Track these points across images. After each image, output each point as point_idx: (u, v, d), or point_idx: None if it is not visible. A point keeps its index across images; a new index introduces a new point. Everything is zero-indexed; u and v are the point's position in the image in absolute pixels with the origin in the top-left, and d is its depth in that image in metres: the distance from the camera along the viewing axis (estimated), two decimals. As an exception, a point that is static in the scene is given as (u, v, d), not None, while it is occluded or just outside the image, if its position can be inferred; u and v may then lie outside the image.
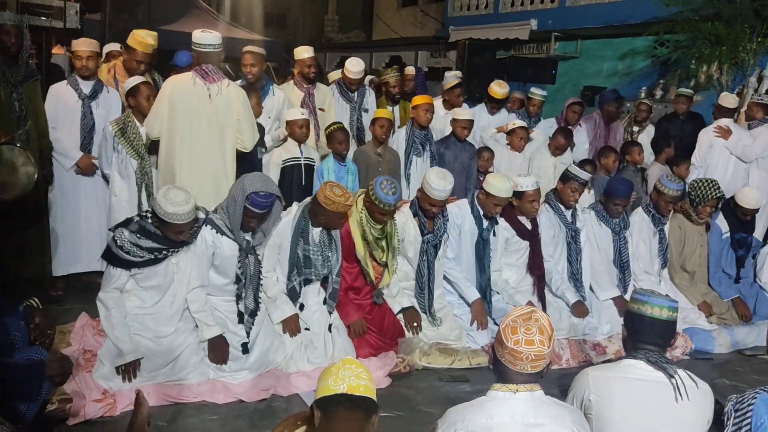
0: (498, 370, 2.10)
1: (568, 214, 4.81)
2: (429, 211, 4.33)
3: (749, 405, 2.17)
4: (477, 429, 1.98)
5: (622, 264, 4.98)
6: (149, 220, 3.50)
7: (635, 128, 7.18)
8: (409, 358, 4.05)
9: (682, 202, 5.26)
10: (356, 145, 5.87)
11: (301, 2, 21.38)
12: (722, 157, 6.41)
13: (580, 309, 4.63)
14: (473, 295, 4.49)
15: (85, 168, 4.80)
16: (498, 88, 6.58)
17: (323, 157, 5.25)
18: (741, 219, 5.25)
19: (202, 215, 3.71)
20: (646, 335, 2.35)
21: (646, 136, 7.05)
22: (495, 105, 6.64)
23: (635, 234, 5.04)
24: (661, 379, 2.25)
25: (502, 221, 4.63)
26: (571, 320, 4.54)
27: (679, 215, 5.22)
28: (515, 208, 4.61)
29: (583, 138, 6.77)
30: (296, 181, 5.03)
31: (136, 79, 4.67)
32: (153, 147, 4.43)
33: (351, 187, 5.03)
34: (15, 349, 2.91)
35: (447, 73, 7.07)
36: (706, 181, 5.13)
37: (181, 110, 4.17)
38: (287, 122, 5.01)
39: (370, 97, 6.19)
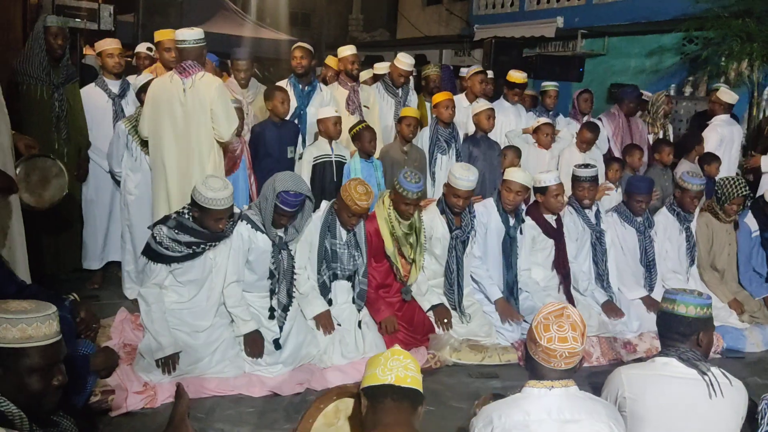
0: (531, 367, 2.12)
1: (591, 215, 4.83)
2: (455, 206, 4.38)
3: None
4: (514, 426, 2.00)
5: (648, 263, 4.97)
6: (186, 216, 3.62)
7: (660, 122, 7.12)
8: (439, 354, 4.10)
9: (710, 200, 5.24)
10: None
11: (326, 2, 21.47)
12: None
13: (610, 308, 4.63)
14: (495, 294, 4.54)
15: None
16: (516, 73, 6.58)
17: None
18: None
19: (237, 210, 3.82)
20: (675, 333, 2.36)
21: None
22: (515, 92, 6.54)
23: (660, 233, 5.03)
24: (695, 376, 2.26)
25: (528, 219, 4.67)
26: (601, 317, 4.55)
27: (707, 213, 5.20)
28: (540, 205, 4.65)
29: (604, 133, 6.74)
30: (328, 177, 5.08)
31: (147, 77, 4.78)
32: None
33: (379, 183, 5.10)
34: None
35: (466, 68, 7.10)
36: (733, 178, 5.11)
37: (161, 108, 4.24)
38: (319, 120, 5.08)
39: (413, 96, 6.26)
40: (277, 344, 3.82)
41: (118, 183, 4.84)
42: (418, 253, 4.35)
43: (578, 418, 2.01)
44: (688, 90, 9.37)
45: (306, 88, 5.54)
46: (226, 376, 3.62)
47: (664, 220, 5.05)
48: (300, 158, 5.12)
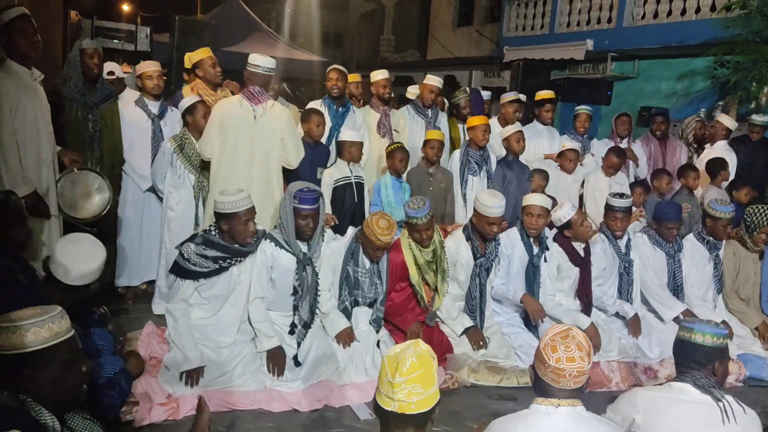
0: (540, 388, 2.16)
1: (622, 244, 4.82)
2: (489, 233, 4.43)
3: None
4: None
5: (675, 288, 4.96)
6: (213, 232, 3.76)
7: (692, 147, 7.12)
8: (457, 374, 4.13)
9: (738, 228, 5.20)
10: None
11: (358, 22, 21.78)
12: None
13: (635, 325, 4.62)
14: (519, 293, 4.59)
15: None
16: (543, 91, 6.69)
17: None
18: None
19: (261, 228, 3.94)
20: (691, 361, 2.40)
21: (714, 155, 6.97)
22: (547, 108, 6.60)
23: (687, 260, 5.02)
24: (709, 402, 2.29)
25: (555, 246, 4.68)
26: (621, 342, 4.54)
27: (734, 242, 5.17)
28: (570, 236, 4.65)
29: (639, 153, 6.76)
30: (348, 198, 5.20)
31: (192, 98, 4.93)
32: (205, 162, 4.65)
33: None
34: (102, 357, 3.18)
35: (506, 93, 7.16)
36: (763, 207, 5.06)
37: (230, 131, 4.39)
38: (339, 142, 5.20)
39: (443, 118, 6.36)
40: (296, 361, 3.91)
41: (161, 200, 5.00)
42: (441, 281, 4.41)
43: None
44: (718, 114, 9.29)
45: (340, 109, 5.69)
46: (247, 389, 3.71)
47: (692, 247, 5.03)
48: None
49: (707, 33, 9.32)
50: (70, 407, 2.22)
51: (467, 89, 7.35)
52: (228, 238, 3.76)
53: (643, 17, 11.45)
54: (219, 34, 8.81)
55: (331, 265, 4.18)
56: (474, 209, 4.44)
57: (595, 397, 4.07)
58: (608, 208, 4.79)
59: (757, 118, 7.06)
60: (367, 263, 4.20)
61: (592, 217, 6.02)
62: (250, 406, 3.63)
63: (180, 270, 3.74)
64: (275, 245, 3.95)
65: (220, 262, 3.77)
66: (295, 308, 4.02)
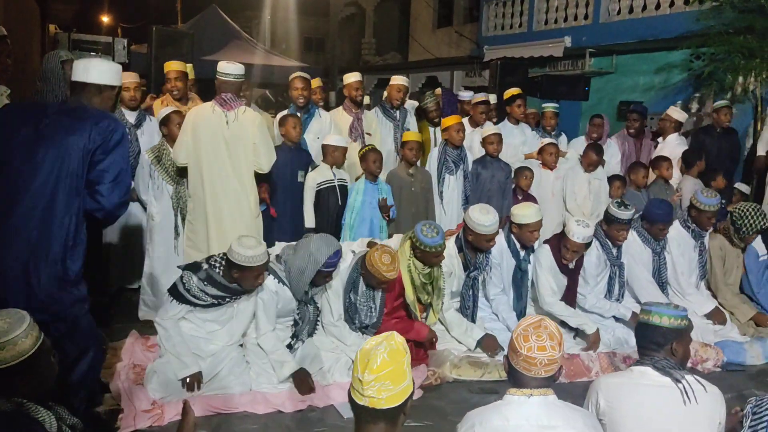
0: (513, 377, 2.22)
1: (614, 249, 4.83)
2: (485, 248, 4.49)
3: (766, 408, 2.24)
4: (494, 431, 2.11)
5: (660, 284, 5.03)
6: (217, 270, 3.72)
7: (659, 139, 7.23)
8: (440, 370, 4.19)
9: (724, 223, 5.28)
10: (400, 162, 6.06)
11: (339, 27, 21.83)
12: None
13: (596, 339, 4.61)
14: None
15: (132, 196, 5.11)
16: (510, 90, 6.81)
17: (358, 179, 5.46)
18: None
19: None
20: (650, 342, 2.47)
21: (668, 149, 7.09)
22: (518, 104, 6.68)
23: (674, 249, 5.07)
24: (669, 384, 2.35)
25: (546, 250, 4.67)
26: (615, 333, 4.69)
27: (720, 236, 5.25)
28: (563, 249, 4.62)
29: (613, 152, 6.85)
30: (332, 202, 5.27)
31: (168, 109, 4.98)
32: (184, 172, 4.68)
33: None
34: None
35: (476, 95, 7.24)
36: (754, 210, 5.14)
37: (203, 137, 4.44)
38: (324, 145, 5.25)
39: (412, 119, 6.41)
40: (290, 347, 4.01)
41: (146, 209, 5.03)
42: (436, 298, 4.46)
43: (555, 424, 2.11)
44: (694, 106, 9.43)
45: (303, 116, 5.65)
46: (232, 393, 3.75)
47: (677, 235, 5.09)
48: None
49: (682, 26, 9.45)
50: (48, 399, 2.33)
51: (435, 93, 7.43)
52: (232, 280, 3.73)
53: (618, 13, 11.60)
54: (197, 44, 8.86)
55: (338, 295, 4.22)
56: (467, 227, 4.47)
57: (576, 386, 4.15)
58: (612, 219, 4.67)
59: (720, 102, 7.18)
60: (365, 290, 4.22)
61: (572, 212, 6.11)
62: (234, 409, 3.66)
63: (177, 294, 3.76)
64: (279, 282, 3.93)
65: (219, 300, 3.79)
66: (295, 336, 4.07)
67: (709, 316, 4.98)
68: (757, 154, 7.04)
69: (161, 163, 4.83)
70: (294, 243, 4.11)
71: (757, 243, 5.31)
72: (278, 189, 5.14)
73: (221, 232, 4.49)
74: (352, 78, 6.14)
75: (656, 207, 4.96)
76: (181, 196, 4.80)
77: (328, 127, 5.72)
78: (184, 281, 3.73)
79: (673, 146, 6.73)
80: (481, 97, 6.84)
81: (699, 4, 8.89)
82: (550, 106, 6.84)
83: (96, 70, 3.01)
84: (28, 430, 2.10)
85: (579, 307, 4.78)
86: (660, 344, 2.42)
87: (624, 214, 4.63)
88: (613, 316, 4.84)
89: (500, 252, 4.68)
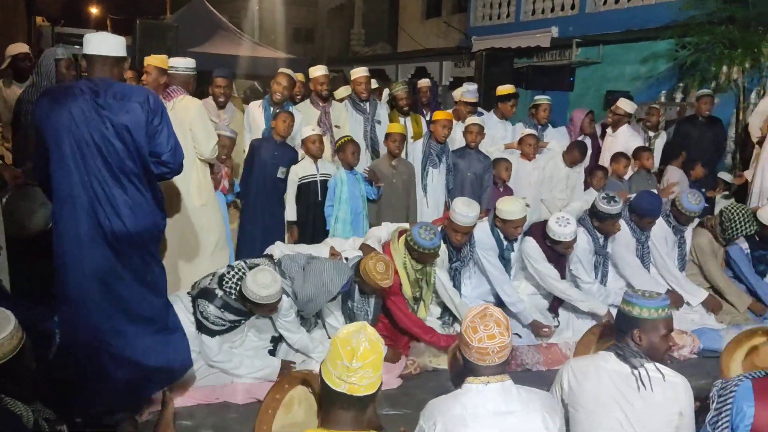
0: (469, 369, 2.26)
1: (601, 239, 4.86)
2: (454, 239, 4.53)
3: (731, 392, 2.29)
4: (453, 419, 2.17)
5: None
6: (233, 296, 3.69)
7: (651, 133, 7.29)
8: (419, 360, 4.25)
9: (712, 221, 5.32)
10: (371, 156, 6.09)
11: (328, 17, 21.78)
12: None
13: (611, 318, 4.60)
14: (528, 318, 4.65)
15: None
16: (503, 87, 6.81)
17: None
18: (765, 237, 5.25)
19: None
20: (617, 329, 2.54)
21: (660, 141, 7.16)
22: (513, 103, 6.72)
23: (659, 242, 5.11)
24: (625, 370, 2.41)
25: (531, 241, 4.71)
26: (577, 323, 4.72)
27: (707, 233, 5.30)
28: (549, 247, 4.65)
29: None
30: (313, 197, 5.29)
31: None
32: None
33: (362, 195, 5.30)
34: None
35: (465, 85, 7.24)
36: (744, 214, 5.17)
37: None
38: (302, 140, 5.28)
39: (382, 110, 6.38)
40: (271, 353, 4.06)
41: None
42: (426, 291, 4.51)
43: (513, 409, 2.17)
44: (678, 96, 9.49)
45: (275, 111, 5.56)
46: (213, 384, 3.79)
47: (661, 231, 5.12)
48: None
49: (667, 16, 9.49)
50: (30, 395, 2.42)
51: (427, 80, 7.45)
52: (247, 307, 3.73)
53: (605, 3, 11.64)
54: (183, 36, 8.82)
55: (338, 301, 4.23)
56: (447, 220, 4.52)
57: (554, 374, 4.19)
58: (606, 216, 4.68)
59: (702, 91, 7.24)
60: (359, 296, 4.25)
61: (548, 203, 6.18)
62: (215, 399, 3.71)
63: (199, 324, 3.75)
64: (287, 296, 3.89)
65: (236, 323, 3.81)
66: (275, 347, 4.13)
67: (704, 304, 5.06)
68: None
69: None
70: (296, 254, 4.11)
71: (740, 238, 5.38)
72: (257, 182, 5.17)
73: (174, 223, 4.40)
74: (317, 72, 6.05)
75: (647, 201, 4.95)
76: None
77: (298, 123, 5.67)
78: (201, 309, 3.70)
79: (625, 138, 6.77)
80: (472, 98, 6.80)
81: (682, -6, 8.93)
82: (543, 99, 6.84)
83: (110, 44, 3.13)
84: (6, 424, 2.17)
85: None
86: (623, 331, 2.48)
87: (614, 209, 4.66)
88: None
89: (487, 241, 4.72)
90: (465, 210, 4.39)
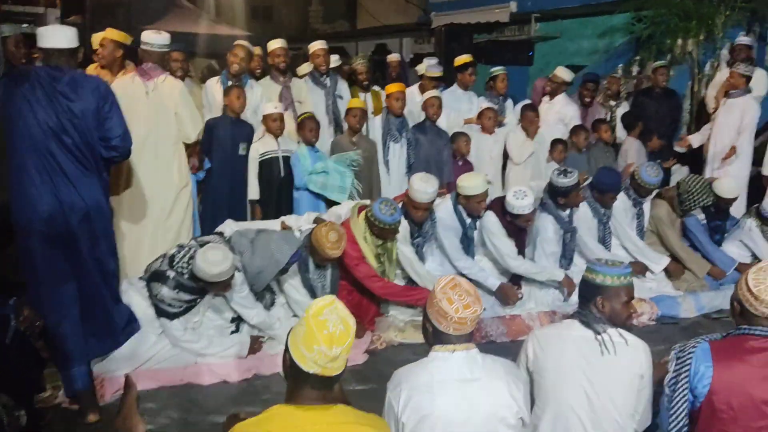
0: (437, 337, 2.26)
1: (565, 214, 4.89)
2: (415, 216, 4.52)
3: (689, 353, 2.33)
4: (419, 387, 2.18)
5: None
6: (185, 275, 3.64)
7: (612, 103, 7.36)
8: (384, 335, 4.26)
9: (671, 192, 5.40)
10: (334, 131, 6.02)
11: (286, -7, 21.45)
12: None
13: (569, 285, 4.70)
14: (494, 283, 4.69)
15: None
16: (461, 57, 6.78)
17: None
18: (720, 208, 5.38)
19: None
20: (580, 296, 2.58)
21: (621, 111, 7.23)
22: (470, 72, 6.66)
23: (620, 214, 5.17)
24: (589, 336, 2.44)
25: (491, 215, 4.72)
26: (539, 294, 4.80)
27: (665, 204, 5.37)
28: (509, 222, 4.69)
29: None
30: (275, 173, 5.22)
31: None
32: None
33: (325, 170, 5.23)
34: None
35: (426, 60, 7.21)
36: (701, 186, 5.23)
37: (124, 110, 4.34)
38: (263, 116, 5.19)
39: (343, 84, 6.31)
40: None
41: None
42: (389, 266, 4.49)
43: (477, 377, 2.19)
44: (635, 69, 9.59)
45: (234, 83, 5.48)
46: (177, 366, 3.74)
47: (621, 203, 5.18)
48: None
49: (623, -11, 9.55)
50: None
51: (396, 55, 7.39)
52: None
53: (562, -23, 11.64)
54: (136, 13, 8.60)
55: (295, 271, 4.19)
56: (406, 196, 4.51)
57: (518, 345, 4.23)
58: (562, 190, 4.69)
59: (658, 62, 7.34)
60: (314, 267, 4.22)
61: (514, 175, 6.22)
62: (179, 381, 3.68)
63: (157, 309, 3.71)
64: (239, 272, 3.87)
65: (192, 302, 3.77)
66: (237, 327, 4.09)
67: (666, 270, 5.18)
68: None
69: None
70: (246, 229, 4.05)
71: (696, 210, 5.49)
72: (218, 161, 5.07)
73: (153, 206, 4.43)
74: (274, 45, 5.96)
75: (606, 177, 5.00)
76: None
77: (258, 98, 5.61)
78: (155, 293, 3.65)
79: (560, 105, 6.80)
80: (436, 73, 6.77)
81: (638, -33, 8.98)
82: (499, 69, 6.83)
83: (63, 36, 3.26)
84: None
85: None
86: (587, 299, 2.51)
87: (572, 179, 4.67)
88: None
89: (450, 220, 4.72)
90: (423, 186, 4.39)
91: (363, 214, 4.36)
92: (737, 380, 2.23)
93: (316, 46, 6.11)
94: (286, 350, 1.94)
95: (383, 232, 4.28)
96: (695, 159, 7.23)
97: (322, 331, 1.85)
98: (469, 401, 2.16)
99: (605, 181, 4.96)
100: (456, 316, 2.18)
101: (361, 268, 4.29)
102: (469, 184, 4.57)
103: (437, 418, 2.15)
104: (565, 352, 2.45)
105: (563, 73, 6.89)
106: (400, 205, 4.58)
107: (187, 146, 4.60)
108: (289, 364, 1.92)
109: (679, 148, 6.90)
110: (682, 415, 2.33)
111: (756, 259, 5.53)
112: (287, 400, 1.96)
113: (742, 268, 5.31)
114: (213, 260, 3.51)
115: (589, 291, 2.52)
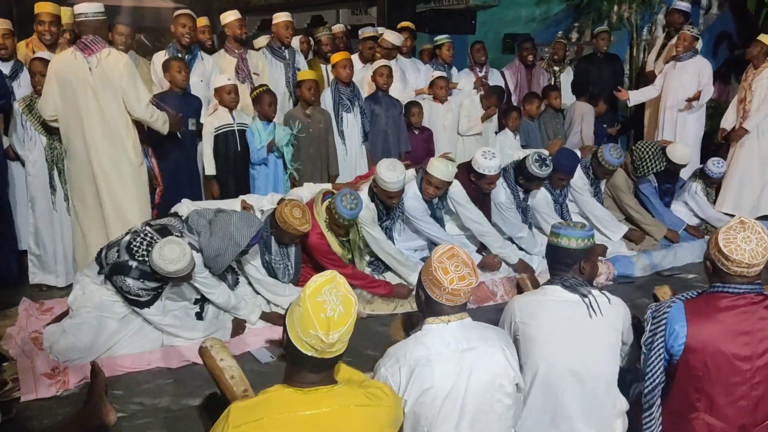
0: (432, 309, 2.24)
1: (521, 193, 4.93)
2: (391, 205, 4.47)
3: (665, 313, 2.38)
4: (417, 361, 2.15)
5: None
6: (147, 264, 3.48)
7: (556, 68, 7.45)
8: (353, 308, 4.22)
9: (626, 157, 5.45)
10: (293, 104, 5.88)
11: (216, -36, 20.72)
12: None
13: (523, 267, 4.78)
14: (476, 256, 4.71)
15: (8, 153, 4.72)
16: (401, 24, 6.81)
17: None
18: (671, 172, 5.51)
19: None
20: (559, 263, 2.57)
21: (566, 77, 7.34)
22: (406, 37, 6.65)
23: (580, 188, 5.24)
24: (576, 300, 2.47)
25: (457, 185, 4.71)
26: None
27: (622, 171, 5.45)
28: (473, 183, 4.70)
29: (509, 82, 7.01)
30: (231, 147, 5.06)
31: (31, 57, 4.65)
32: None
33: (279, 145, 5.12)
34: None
35: (363, 29, 7.12)
36: (654, 152, 5.32)
37: (67, 87, 4.16)
38: (215, 89, 5.02)
39: (300, 57, 6.19)
40: (199, 316, 3.90)
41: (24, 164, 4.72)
42: (358, 257, 4.47)
43: (474, 346, 2.18)
44: (574, 36, 9.74)
45: (186, 57, 5.30)
46: (142, 350, 3.62)
47: (580, 180, 5.25)
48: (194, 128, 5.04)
49: (560, -44, 9.65)
50: None
51: (342, 25, 7.27)
52: None
53: (501, -56, 11.64)
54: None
55: (256, 252, 4.09)
56: (374, 180, 4.43)
57: (483, 310, 4.32)
58: (534, 178, 4.73)
59: (599, 28, 7.49)
60: (277, 248, 4.13)
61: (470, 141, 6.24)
62: (146, 366, 3.56)
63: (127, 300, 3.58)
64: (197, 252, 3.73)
65: (159, 290, 3.64)
66: (201, 309, 3.96)
67: (626, 237, 5.31)
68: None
69: (32, 113, 4.52)
70: (204, 209, 3.90)
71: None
72: (168, 138, 4.88)
73: (110, 187, 4.29)
74: (232, 16, 5.76)
75: (564, 157, 5.00)
76: (54, 147, 4.51)
77: (211, 70, 5.41)
78: (119, 285, 3.50)
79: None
80: (369, 32, 6.69)
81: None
82: (444, 38, 6.79)
83: None
84: None
85: None
86: (569, 265, 2.53)
87: (544, 173, 4.71)
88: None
89: (416, 204, 4.65)
90: (392, 176, 4.29)
91: (326, 203, 4.28)
92: (711, 338, 2.28)
93: (282, 17, 5.96)
94: (285, 330, 1.86)
95: (335, 222, 4.20)
96: (637, 126, 7.44)
97: (319, 315, 1.75)
98: (468, 371, 2.16)
99: (558, 159, 4.94)
100: (450, 287, 2.16)
101: (326, 255, 4.25)
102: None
103: (438, 390, 2.14)
104: (554, 317, 2.46)
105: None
106: (367, 186, 4.52)
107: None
108: (287, 345, 1.84)
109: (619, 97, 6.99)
110: (658, 372, 2.39)
111: (701, 220, 5.78)
112: (285, 380, 1.89)
113: (690, 229, 5.54)
114: (170, 258, 3.36)
115: (571, 257, 2.52)
